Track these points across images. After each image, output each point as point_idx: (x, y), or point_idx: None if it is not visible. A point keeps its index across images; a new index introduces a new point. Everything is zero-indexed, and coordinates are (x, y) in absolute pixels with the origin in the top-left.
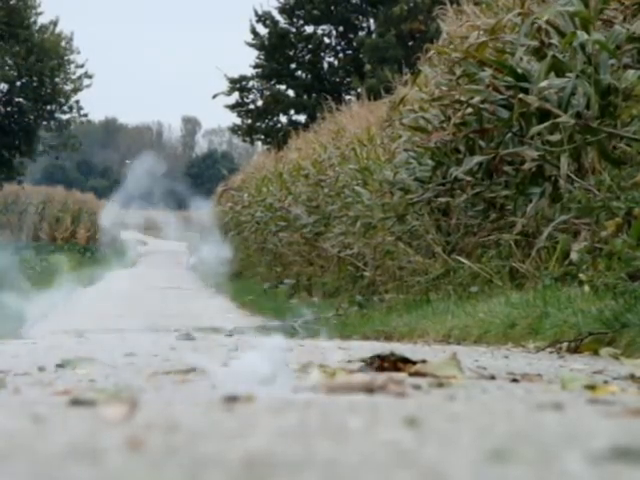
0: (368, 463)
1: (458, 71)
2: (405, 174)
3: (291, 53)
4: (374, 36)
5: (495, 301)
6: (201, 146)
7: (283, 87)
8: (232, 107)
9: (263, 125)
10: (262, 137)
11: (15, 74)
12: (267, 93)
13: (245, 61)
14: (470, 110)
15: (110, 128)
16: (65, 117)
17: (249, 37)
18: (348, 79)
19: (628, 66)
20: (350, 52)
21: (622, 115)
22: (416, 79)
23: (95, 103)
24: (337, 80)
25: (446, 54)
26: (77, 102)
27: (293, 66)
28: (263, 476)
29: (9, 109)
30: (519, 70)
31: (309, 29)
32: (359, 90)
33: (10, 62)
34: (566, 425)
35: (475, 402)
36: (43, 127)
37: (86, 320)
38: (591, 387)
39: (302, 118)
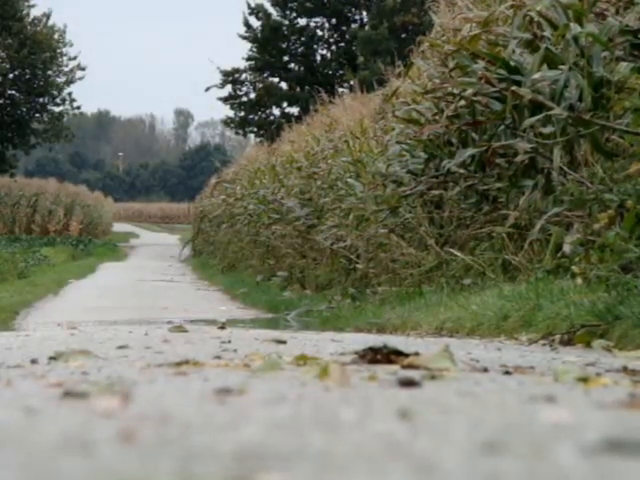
0: (361, 455)
1: (451, 63)
2: (398, 166)
3: (284, 45)
4: (367, 28)
5: (488, 293)
6: (194, 138)
7: (276, 79)
8: (225, 100)
9: (256, 117)
10: (255, 129)
11: (7, 66)
12: (260, 85)
13: (238, 54)
14: (463, 102)
15: (103, 120)
16: (58, 109)
17: (242, 30)
18: (341, 71)
19: (621, 59)
20: (343, 44)
21: (615, 107)
22: (409, 71)
23: (88, 95)
24: (330, 72)
25: (439, 46)
26: (70, 94)
27: (286, 58)
28: (255, 468)
29: (1, 101)
30: (512, 62)
31: (302, 21)
32: (352, 82)
33: (2, 54)
34: (559, 417)
35: (468, 394)
36: (36, 119)
37: (78, 313)
38: (584, 379)
39: (295, 110)
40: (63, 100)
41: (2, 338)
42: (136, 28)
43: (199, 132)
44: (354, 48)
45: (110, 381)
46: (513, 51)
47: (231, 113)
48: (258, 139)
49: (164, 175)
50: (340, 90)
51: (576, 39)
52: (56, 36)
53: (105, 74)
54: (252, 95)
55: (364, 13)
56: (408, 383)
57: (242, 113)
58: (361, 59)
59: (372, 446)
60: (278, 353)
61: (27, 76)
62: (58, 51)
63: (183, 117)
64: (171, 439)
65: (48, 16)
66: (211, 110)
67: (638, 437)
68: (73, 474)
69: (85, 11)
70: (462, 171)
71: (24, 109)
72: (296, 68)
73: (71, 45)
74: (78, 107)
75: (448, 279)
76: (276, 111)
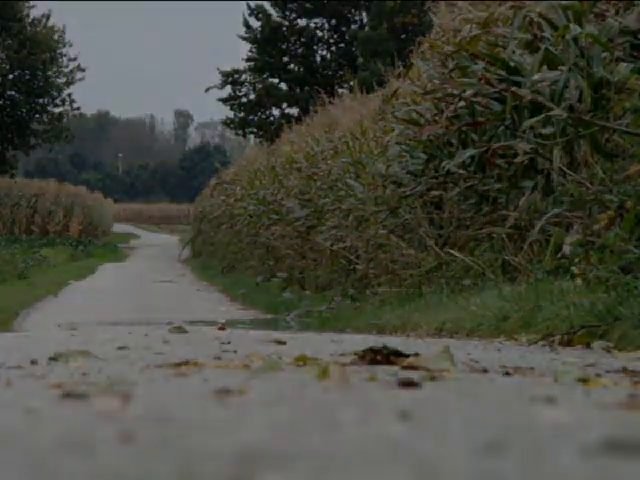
0: (360, 455)
1: (450, 64)
2: (398, 167)
3: (284, 46)
4: (367, 29)
5: (488, 294)
6: (194, 139)
7: (276, 80)
8: (225, 100)
9: (256, 118)
10: (255, 130)
11: (7, 67)
12: (260, 86)
13: (238, 54)
14: (462, 103)
15: (102, 121)
16: (57, 110)
17: (242, 30)
18: (341, 72)
19: (620, 59)
20: (343, 45)
21: (614, 108)
22: (408, 72)
23: (87, 96)
24: (330, 73)
25: (438, 47)
26: (69, 95)
27: (286, 59)
28: (255, 468)
29: (1, 102)
30: (512, 63)
31: (302, 22)
32: (352, 83)
33: (2, 55)
34: (558, 418)
35: (467, 395)
36: (35, 120)
37: (78, 313)
38: (584, 380)
39: (295, 111)
40: (63, 101)
41: (2, 339)
42: (136, 29)
43: (199, 133)
44: (354, 49)
45: (110, 382)
46: (513, 52)
47: (231, 114)
48: (258, 140)
49: (164, 176)
50: (340, 91)
51: (576, 40)
52: (56, 37)
53: (105, 75)
54: (252, 96)
55: (364, 14)
56: (408, 384)
57: (242, 114)
58: (361, 60)
59: (372, 447)
60: (278, 354)
61: (27, 77)
62: (58, 52)
63: (183, 118)
64: (171, 439)
65: (48, 17)
66: (211, 111)
67: (638, 438)
68: (73, 474)
69: (85, 12)
70: (462, 172)
71: (24, 110)
72: (296, 69)
73: (71, 46)
74: (78, 108)
75: (448, 280)
76: (276, 112)
